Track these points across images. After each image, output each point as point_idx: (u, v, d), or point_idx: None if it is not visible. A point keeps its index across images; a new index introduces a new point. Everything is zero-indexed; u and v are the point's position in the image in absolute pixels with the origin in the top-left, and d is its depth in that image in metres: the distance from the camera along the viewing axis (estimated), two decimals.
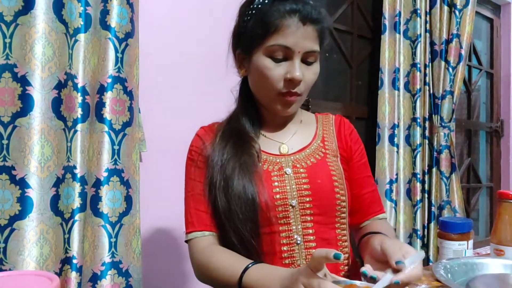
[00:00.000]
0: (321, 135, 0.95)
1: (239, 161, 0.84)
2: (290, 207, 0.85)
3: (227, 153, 0.86)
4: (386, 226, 0.94)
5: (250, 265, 0.76)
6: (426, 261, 2.14)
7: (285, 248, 0.85)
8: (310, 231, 0.86)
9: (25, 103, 1.02)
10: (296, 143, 0.92)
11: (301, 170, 0.88)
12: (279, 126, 0.94)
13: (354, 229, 0.99)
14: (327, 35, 0.88)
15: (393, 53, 2.07)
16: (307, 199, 0.86)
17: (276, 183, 0.86)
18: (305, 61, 0.84)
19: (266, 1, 0.82)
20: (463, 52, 2.23)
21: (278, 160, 0.89)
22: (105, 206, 1.15)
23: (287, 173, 0.87)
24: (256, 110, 0.94)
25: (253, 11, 0.84)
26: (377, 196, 0.99)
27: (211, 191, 0.86)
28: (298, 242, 0.85)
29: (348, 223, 0.94)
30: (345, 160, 0.96)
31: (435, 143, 2.20)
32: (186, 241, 0.90)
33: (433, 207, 2.19)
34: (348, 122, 1.02)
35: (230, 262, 0.80)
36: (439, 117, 2.19)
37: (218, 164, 0.85)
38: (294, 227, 0.85)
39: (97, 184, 1.15)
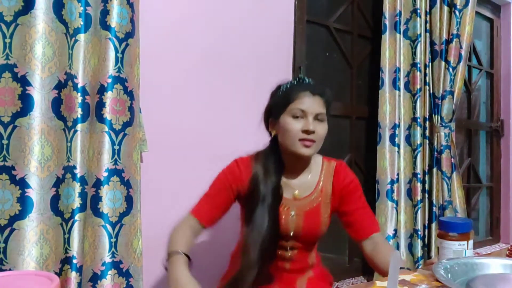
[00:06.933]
0: (321, 185, 1.24)
1: (267, 202, 1.16)
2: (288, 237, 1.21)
3: (263, 191, 1.17)
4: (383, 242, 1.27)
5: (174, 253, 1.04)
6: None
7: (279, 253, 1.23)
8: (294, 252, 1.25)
9: (25, 103, 1.03)
10: (304, 190, 1.23)
11: (301, 213, 1.21)
12: (296, 173, 1.24)
13: (356, 241, 1.25)
14: (331, 103, 1.22)
15: (394, 52, 2.07)
16: (299, 235, 1.20)
17: (283, 221, 1.19)
18: (317, 119, 1.16)
19: (289, 86, 1.21)
20: (463, 52, 2.23)
21: (289, 204, 1.21)
22: (105, 206, 1.15)
23: (291, 215, 1.20)
24: (280, 159, 1.23)
25: (280, 93, 1.22)
26: (370, 215, 1.25)
27: (249, 208, 1.18)
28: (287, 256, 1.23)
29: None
30: (334, 207, 1.25)
31: (435, 143, 2.20)
32: None
33: (434, 207, 2.18)
34: (347, 172, 1.27)
35: (177, 238, 1.09)
36: (439, 117, 2.19)
37: (258, 198, 1.16)
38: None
39: (97, 184, 1.15)
